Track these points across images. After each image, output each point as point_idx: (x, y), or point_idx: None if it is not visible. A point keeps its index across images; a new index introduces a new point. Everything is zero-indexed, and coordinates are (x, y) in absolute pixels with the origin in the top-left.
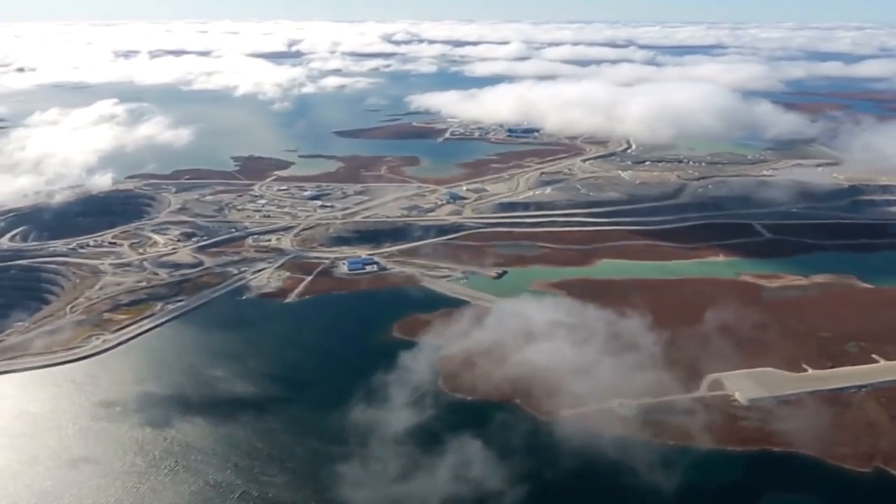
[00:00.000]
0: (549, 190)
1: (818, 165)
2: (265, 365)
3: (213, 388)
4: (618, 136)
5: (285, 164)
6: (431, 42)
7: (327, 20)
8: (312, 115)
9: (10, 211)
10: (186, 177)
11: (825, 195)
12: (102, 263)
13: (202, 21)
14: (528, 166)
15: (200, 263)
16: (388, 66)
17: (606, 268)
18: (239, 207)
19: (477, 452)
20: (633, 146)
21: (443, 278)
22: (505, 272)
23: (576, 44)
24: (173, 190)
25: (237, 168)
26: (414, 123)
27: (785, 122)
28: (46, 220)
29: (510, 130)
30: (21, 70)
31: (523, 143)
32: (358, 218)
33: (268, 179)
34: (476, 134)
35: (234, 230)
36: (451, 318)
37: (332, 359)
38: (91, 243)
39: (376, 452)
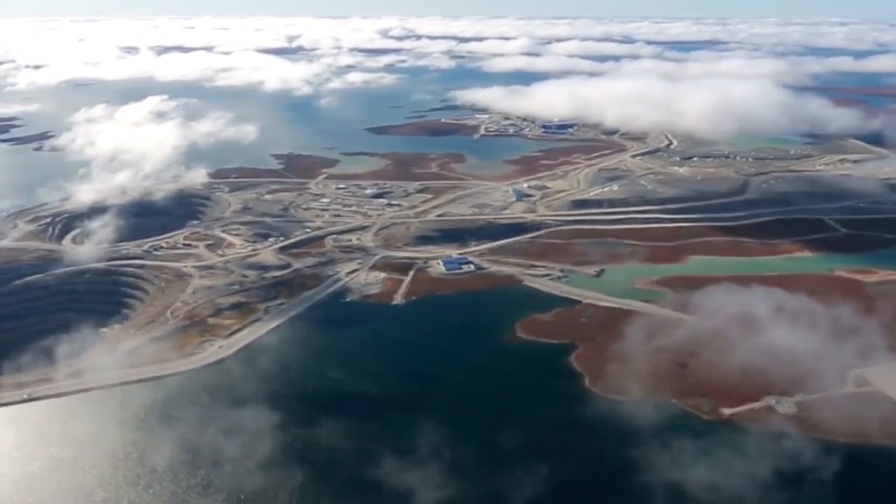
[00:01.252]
0: (615, 187)
1: (865, 160)
2: (396, 367)
3: (349, 389)
4: (655, 132)
5: (330, 162)
6: (432, 38)
7: (310, 16)
8: (342, 112)
9: (63, 213)
10: (234, 175)
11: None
12: (185, 266)
13: (185, 17)
14: (578, 163)
15: (288, 265)
16: (402, 61)
17: (699, 264)
18: (304, 206)
19: (655, 454)
20: (675, 142)
21: (543, 277)
22: (603, 270)
23: (584, 39)
24: (226, 189)
25: (282, 166)
26: (443, 120)
27: (845, 118)
28: (101, 221)
29: (545, 126)
30: (33, 67)
31: (561, 140)
32: (433, 216)
33: (320, 178)
34: (511, 130)
35: (308, 230)
36: (571, 317)
37: (465, 361)
38: (164, 245)
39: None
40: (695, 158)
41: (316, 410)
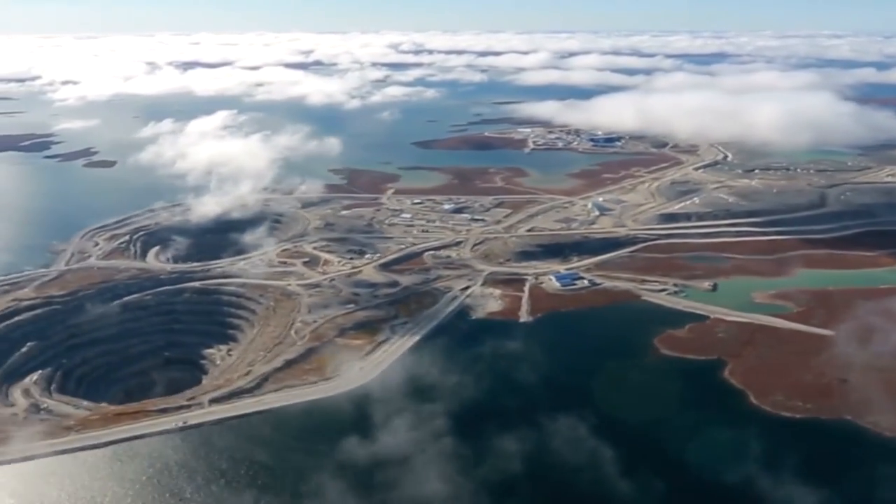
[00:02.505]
0: (696, 200)
1: None
2: (551, 384)
3: (515, 405)
4: (705, 145)
5: (392, 177)
6: (446, 53)
7: (309, 32)
8: (385, 125)
9: (138, 229)
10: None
11: None
12: (289, 284)
13: (185, 33)
14: (641, 176)
15: (396, 283)
16: (431, 75)
17: (808, 277)
18: (387, 222)
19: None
20: (729, 155)
21: (660, 292)
22: (716, 284)
23: (604, 53)
24: (299, 205)
25: (344, 181)
26: (486, 133)
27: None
28: (169, 238)
29: (593, 140)
30: (63, 83)
31: (613, 153)
32: (524, 231)
33: (388, 193)
34: (559, 144)
35: (402, 246)
36: (706, 333)
37: (617, 378)
38: (257, 262)
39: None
40: (756, 171)
41: (493, 426)
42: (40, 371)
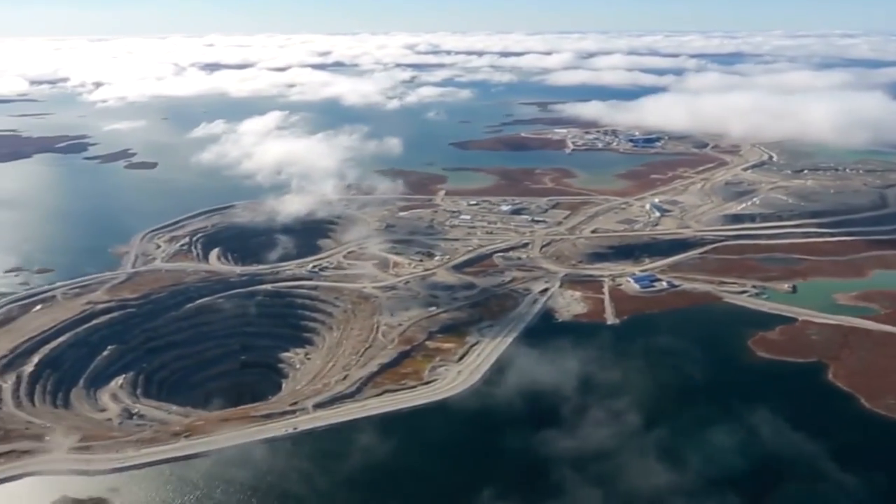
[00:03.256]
0: (756, 201)
1: None
2: (663, 386)
3: (637, 406)
4: (747, 145)
5: (439, 178)
6: (467, 54)
7: (318, 33)
8: (421, 127)
9: (196, 231)
10: (353, 192)
11: None
12: (364, 286)
13: (196, 35)
14: (689, 177)
15: (473, 285)
16: (459, 76)
17: (885, 279)
18: (449, 224)
19: None
20: (774, 155)
21: (740, 293)
22: (795, 286)
23: (628, 53)
24: (354, 206)
25: (393, 181)
26: (522, 134)
27: None
28: (228, 240)
29: (632, 140)
30: (101, 85)
31: (655, 153)
32: (587, 232)
33: (440, 194)
34: (599, 144)
35: (470, 248)
36: (798, 335)
37: (724, 380)
38: (325, 264)
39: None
40: (805, 171)
41: (631, 425)
42: (124, 375)
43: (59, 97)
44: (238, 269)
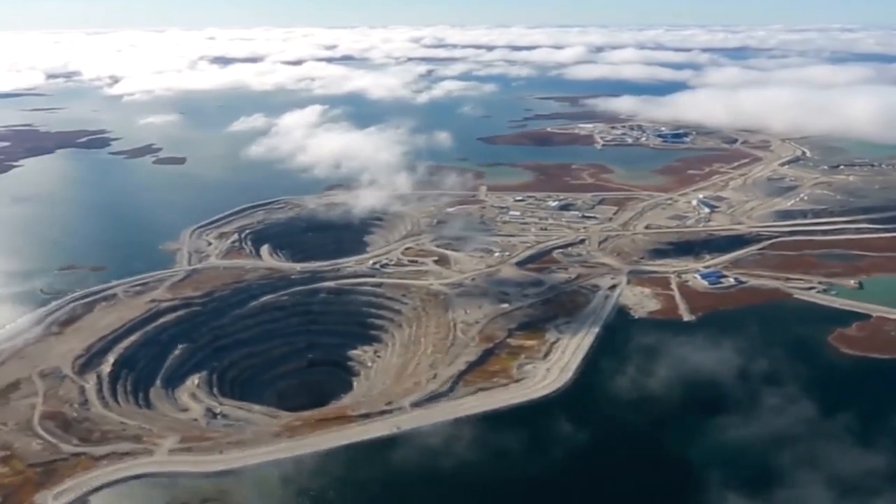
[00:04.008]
0: (805, 197)
1: None
2: (764, 380)
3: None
4: (777, 141)
5: (477, 173)
6: (476, 48)
7: (318, 27)
8: (449, 121)
9: (243, 228)
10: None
11: None
12: (431, 283)
13: (195, 29)
14: (726, 172)
15: (541, 281)
16: (474, 70)
17: None
18: (500, 220)
19: None
20: (807, 151)
21: (808, 290)
22: (861, 282)
23: (640, 47)
24: (399, 203)
25: (431, 177)
26: (548, 129)
27: None
28: (276, 236)
29: (661, 136)
30: (118, 79)
31: (686, 149)
32: (640, 228)
33: (482, 189)
34: (629, 140)
35: (527, 244)
36: (878, 331)
37: (817, 378)
38: (385, 261)
39: None
40: (841, 167)
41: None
42: (199, 374)
43: (76, 91)
44: (298, 267)
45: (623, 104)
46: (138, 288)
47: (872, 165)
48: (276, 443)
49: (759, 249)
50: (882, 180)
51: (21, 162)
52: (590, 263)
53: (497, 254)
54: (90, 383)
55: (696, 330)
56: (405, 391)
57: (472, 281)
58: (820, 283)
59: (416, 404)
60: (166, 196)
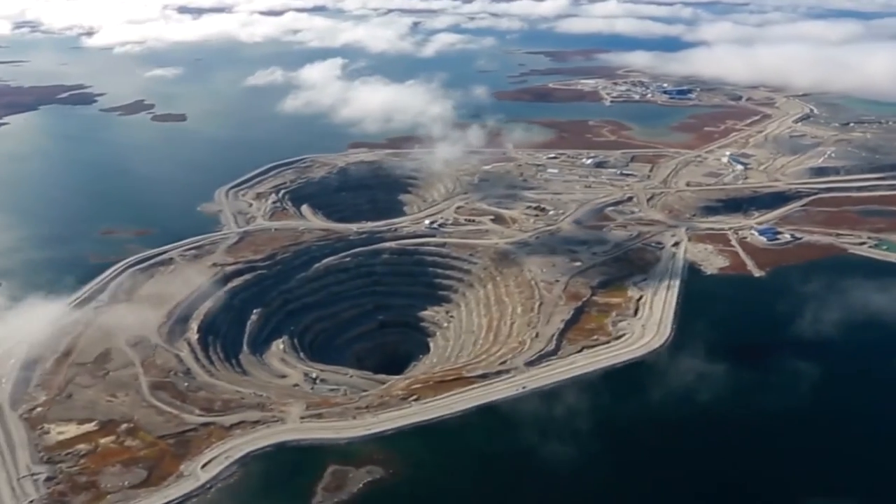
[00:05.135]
0: (832, 153)
1: None
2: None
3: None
4: (781, 98)
5: (496, 130)
6: None
7: None
8: (452, 76)
9: (277, 187)
10: (417, 145)
11: None
12: (497, 242)
13: None
14: (742, 129)
15: (604, 239)
16: (461, 23)
17: None
18: (541, 177)
19: None
20: (814, 108)
21: (860, 245)
22: None
23: (622, 0)
24: (429, 159)
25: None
26: (550, 85)
27: None
28: (312, 196)
29: (666, 92)
30: (93, 30)
31: (692, 105)
32: (680, 185)
33: (509, 147)
34: (636, 97)
35: (576, 202)
36: None
37: None
38: (441, 220)
39: None
40: (851, 124)
41: None
42: (282, 339)
43: (45, 42)
44: (354, 227)
45: (638, 59)
46: (193, 252)
47: (880, 122)
48: (405, 406)
49: (802, 206)
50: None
51: (5, 119)
52: (645, 221)
53: (551, 212)
54: (184, 351)
55: (769, 285)
56: (510, 351)
57: (537, 239)
58: (869, 237)
59: (530, 364)
60: (180, 155)
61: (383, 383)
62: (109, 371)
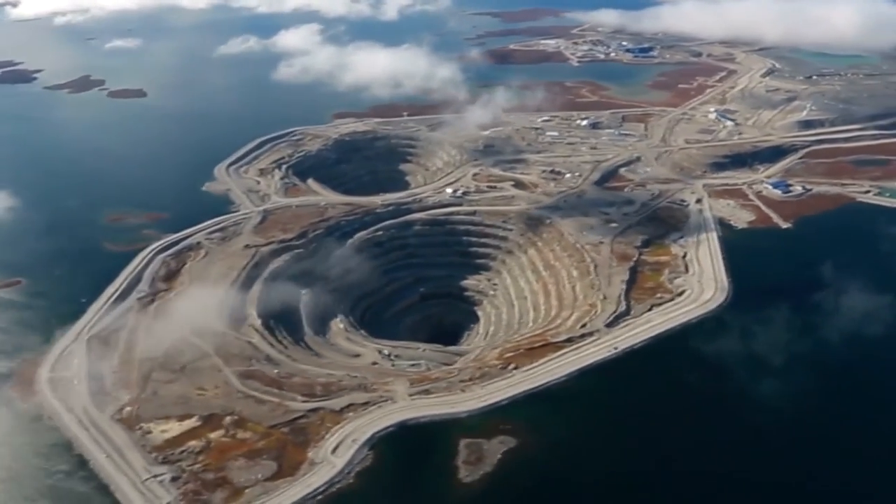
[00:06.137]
0: (813, 107)
1: None
2: None
3: None
4: (740, 53)
5: (476, 92)
6: None
7: None
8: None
9: (277, 162)
10: (405, 113)
11: None
12: (528, 208)
13: None
14: (714, 86)
15: (631, 200)
16: None
17: None
18: (544, 141)
19: None
20: (776, 63)
21: (865, 193)
22: None
23: None
24: (427, 127)
25: (424, 104)
26: (511, 46)
27: None
28: (313, 169)
29: (629, 50)
30: (15, 4)
31: (657, 63)
32: (679, 143)
33: (499, 111)
34: (600, 56)
35: (587, 164)
36: None
37: None
38: (462, 188)
39: None
40: (814, 77)
41: None
42: (339, 318)
43: None
44: (379, 200)
45: (603, 18)
46: (219, 234)
47: (840, 75)
48: (508, 376)
49: (800, 159)
50: (865, 87)
51: None
52: (661, 180)
53: (567, 175)
54: (255, 338)
55: (802, 234)
56: (584, 314)
57: (566, 202)
58: (871, 186)
59: (609, 325)
60: (156, 133)
61: (459, 355)
62: (186, 365)
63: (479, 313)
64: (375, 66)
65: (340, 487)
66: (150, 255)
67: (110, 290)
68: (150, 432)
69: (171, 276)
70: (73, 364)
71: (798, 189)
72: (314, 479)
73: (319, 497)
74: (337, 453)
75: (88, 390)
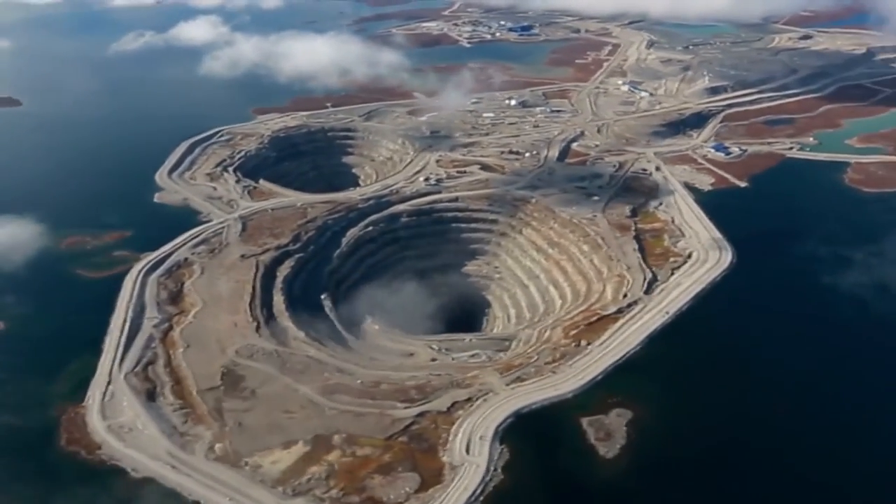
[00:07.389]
0: (709, 74)
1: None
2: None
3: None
4: (613, 28)
5: (397, 81)
6: None
7: None
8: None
9: (221, 164)
10: (328, 104)
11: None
12: (508, 190)
13: None
14: (607, 59)
15: (598, 173)
16: None
17: (857, 126)
18: (490, 123)
19: None
20: (653, 36)
21: (789, 149)
22: (814, 138)
23: None
24: (358, 117)
25: (345, 94)
26: (393, 30)
27: None
28: (258, 169)
29: (512, 30)
30: None
31: (543, 41)
32: (609, 116)
33: (416, 94)
34: (487, 37)
35: (544, 141)
36: (870, 172)
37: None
38: (434, 176)
39: None
40: (690, 47)
41: None
42: (369, 318)
43: None
44: (356, 195)
45: None
46: (204, 247)
47: (710, 44)
48: (586, 352)
49: (721, 123)
50: (739, 55)
51: None
52: (614, 151)
53: (527, 154)
54: (311, 350)
55: (762, 190)
56: (617, 285)
57: (540, 181)
58: (792, 143)
59: (647, 292)
60: (58, 144)
61: (506, 340)
62: (255, 389)
63: (490, 298)
64: (293, 58)
65: (496, 485)
66: (139, 277)
67: (117, 321)
68: (259, 466)
69: (175, 298)
70: (124, 407)
71: (736, 150)
72: (466, 483)
73: (481, 499)
74: (472, 453)
75: (161, 432)
